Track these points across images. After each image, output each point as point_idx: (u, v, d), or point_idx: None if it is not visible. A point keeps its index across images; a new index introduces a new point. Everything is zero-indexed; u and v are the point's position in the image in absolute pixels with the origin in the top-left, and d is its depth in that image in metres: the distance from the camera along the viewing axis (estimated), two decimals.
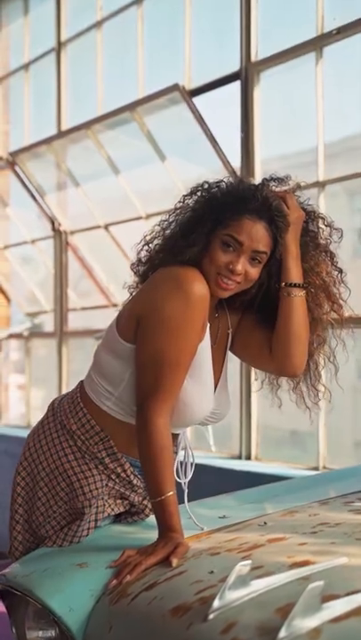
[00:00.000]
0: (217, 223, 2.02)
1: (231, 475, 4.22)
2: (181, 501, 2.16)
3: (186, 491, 2.21)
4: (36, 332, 7.42)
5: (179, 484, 2.18)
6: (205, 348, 2.05)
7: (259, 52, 4.55)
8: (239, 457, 4.58)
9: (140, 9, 5.56)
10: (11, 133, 7.81)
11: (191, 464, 2.23)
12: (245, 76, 4.52)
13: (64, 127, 6.28)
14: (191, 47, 5.07)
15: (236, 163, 4.54)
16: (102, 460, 2.09)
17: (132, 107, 5.16)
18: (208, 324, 2.06)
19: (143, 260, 2.14)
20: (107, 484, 2.10)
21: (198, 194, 2.08)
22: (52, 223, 6.59)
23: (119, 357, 2.05)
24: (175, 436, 2.16)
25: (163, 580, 1.76)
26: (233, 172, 4.51)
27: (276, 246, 2.04)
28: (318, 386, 2.21)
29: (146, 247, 2.13)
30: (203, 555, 1.85)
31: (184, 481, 2.21)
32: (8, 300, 8.34)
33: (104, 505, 2.10)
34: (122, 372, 2.05)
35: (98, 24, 6.04)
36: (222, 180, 2.09)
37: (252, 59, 4.53)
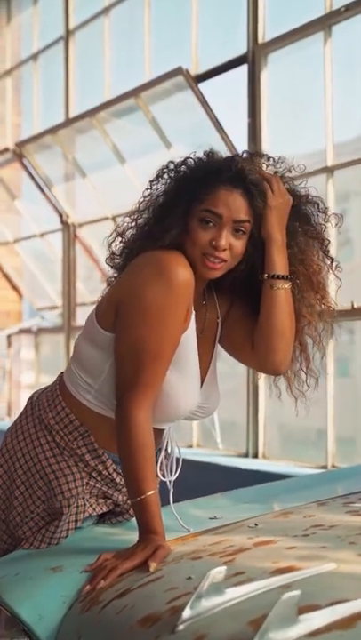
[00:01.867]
0: (191, 201, 1.88)
1: (236, 473, 4.09)
2: (167, 501, 2.03)
3: (171, 490, 2.08)
4: (44, 328, 7.33)
5: (164, 483, 2.05)
6: (190, 337, 1.92)
7: (266, 33, 4.41)
8: (246, 455, 4.45)
9: None
10: (22, 125, 7.72)
11: (177, 462, 2.09)
12: (252, 58, 4.38)
13: (72, 116, 6.17)
14: (198, 32, 4.97)
15: (242, 148, 4.40)
16: (82, 456, 1.97)
17: (136, 92, 5.05)
18: (194, 312, 1.92)
19: (118, 252, 2.00)
20: (87, 483, 1.99)
21: (165, 176, 1.94)
22: (61, 216, 6.49)
23: (98, 347, 1.93)
24: (160, 432, 2.03)
25: (137, 586, 1.64)
26: None
27: (256, 220, 1.89)
28: (303, 375, 2.06)
29: (119, 239, 1.99)
30: (183, 559, 1.73)
31: (169, 479, 2.06)
32: (20, 295, 8.27)
33: (85, 505, 1.98)
34: (101, 363, 1.93)
35: (105, 10, 5.93)
36: (188, 157, 1.96)
37: (260, 41, 4.39)
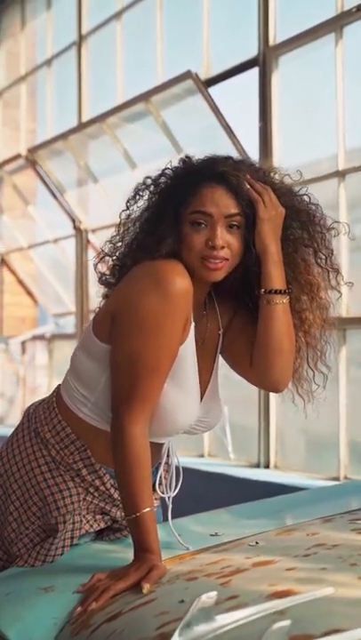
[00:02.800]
0: (178, 207, 1.83)
1: (245, 484, 4.00)
2: (166, 518, 1.97)
3: (170, 507, 2.01)
4: (58, 334, 7.29)
5: (164, 500, 1.99)
6: (189, 348, 1.85)
7: (277, 35, 4.34)
8: (257, 465, 4.36)
9: None
10: (37, 131, 7.69)
11: (177, 477, 2.02)
12: (263, 61, 4.31)
13: (83, 122, 6.13)
14: (209, 36, 4.90)
15: (253, 153, 4.34)
16: (79, 471, 1.91)
17: (145, 96, 4.99)
18: (193, 323, 1.85)
19: (109, 271, 1.94)
20: (84, 498, 1.93)
21: (144, 193, 1.89)
22: (73, 221, 6.45)
23: (94, 359, 1.87)
24: (159, 446, 1.96)
25: (128, 609, 1.57)
26: None
27: (248, 216, 1.82)
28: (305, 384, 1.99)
29: (108, 259, 1.93)
30: (179, 579, 1.66)
31: (168, 495, 2.00)
32: (35, 301, 8.24)
33: (81, 521, 1.92)
34: (98, 375, 1.87)
35: (117, 15, 5.88)
36: (166, 168, 1.90)
37: (270, 43, 4.33)
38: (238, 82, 4.54)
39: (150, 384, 1.77)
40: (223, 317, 2.01)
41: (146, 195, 1.89)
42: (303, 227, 1.91)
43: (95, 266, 1.95)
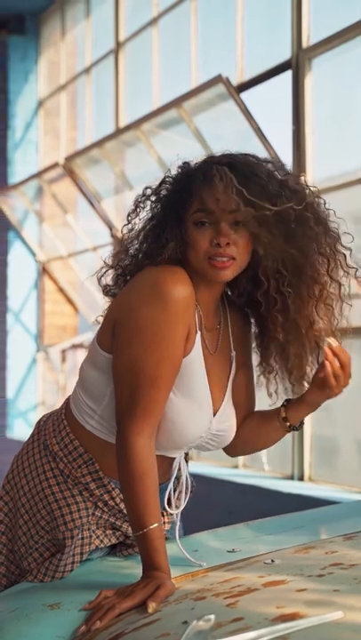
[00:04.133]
0: (180, 210, 1.78)
1: (277, 497, 3.91)
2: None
3: (178, 523, 1.94)
4: None
5: (189, 513, 1.94)
6: (196, 359, 1.79)
7: (310, 38, 4.27)
8: (291, 477, 4.26)
9: (193, 2, 5.35)
10: (77, 139, 7.71)
11: (186, 492, 1.95)
12: (297, 64, 4.24)
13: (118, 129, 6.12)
14: (243, 41, 4.84)
15: (286, 158, 4.27)
16: (87, 485, 1.86)
17: (178, 102, 4.94)
18: (199, 333, 1.80)
19: (112, 282, 1.89)
20: (93, 513, 1.87)
21: (144, 205, 1.84)
22: (110, 229, 6.43)
23: (100, 370, 1.83)
24: (170, 460, 1.90)
25: (131, 629, 1.52)
26: None
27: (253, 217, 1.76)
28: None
29: (111, 271, 1.89)
30: (187, 599, 1.60)
31: (176, 512, 1.93)
32: (75, 309, 8.25)
33: (90, 536, 1.87)
34: (104, 386, 1.82)
35: (154, 21, 5.86)
36: (165, 177, 1.86)
37: (304, 45, 4.26)
38: (270, 86, 4.47)
39: (152, 396, 1.72)
40: (235, 332, 1.94)
41: (148, 206, 1.84)
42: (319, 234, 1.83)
43: (99, 279, 1.90)
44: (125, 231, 1.87)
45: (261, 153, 4.03)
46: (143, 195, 1.85)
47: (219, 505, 3.85)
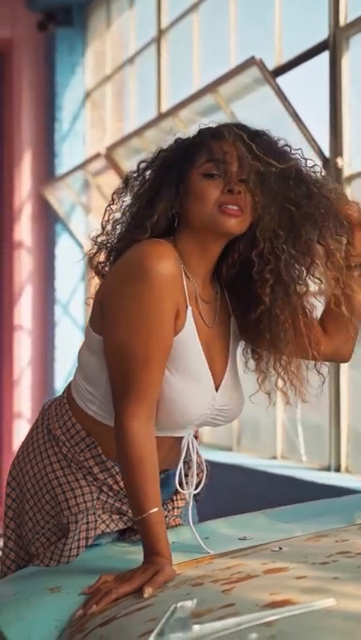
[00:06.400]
0: (183, 170, 1.75)
1: (313, 488, 3.84)
2: (187, 516, 1.88)
3: (191, 503, 1.90)
4: None
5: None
6: (189, 335, 1.75)
7: (348, 16, 4.19)
8: (328, 468, 4.18)
9: None
10: (124, 130, 7.68)
11: (198, 476, 1.92)
12: (334, 44, 4.14)
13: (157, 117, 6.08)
14: (282, 24, 4.76)
15: (323, 141, 4.19)
16: (90, 469, 1.84)
17: (212, 87, 4.89)
18: (190, 308, 1.75)
19: (104, 259, 1.85)
20: (98, 497, 1.85)
21: (135, 180, 1.80)
22: None
23: (94, 353, 1.81)
24: (177, 441, 1.86)
25: (123, 614, 1.50)
26: (320, 152, 4.16)
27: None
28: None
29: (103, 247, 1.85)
30: (185, 585, 1.58)
31: (188, 492, 1.89)
32: None
33: (96, 521, 1.85)
34: (100, 370, 1.80)
35: (195, 6, 5.82)
36: (160, 149, 1.83)
37: (341, 23, 4.17)
38: (307, 68, 4.39)
39: (145, 376, 1.67)
40: (232, 302, 1.89)
41: (140, 180, 1.81)
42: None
43: (90, 259, 1.86)
44: (115, 208, 1.83)
45: (298, 137, 3.96)
46: (137, 169, 1.81)
47: (253, 495, 3.80)
